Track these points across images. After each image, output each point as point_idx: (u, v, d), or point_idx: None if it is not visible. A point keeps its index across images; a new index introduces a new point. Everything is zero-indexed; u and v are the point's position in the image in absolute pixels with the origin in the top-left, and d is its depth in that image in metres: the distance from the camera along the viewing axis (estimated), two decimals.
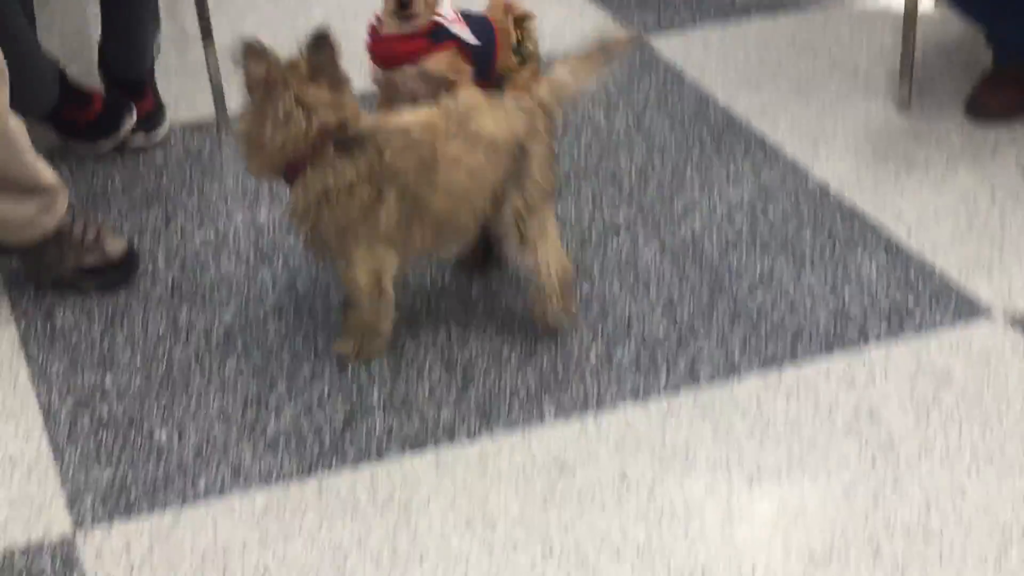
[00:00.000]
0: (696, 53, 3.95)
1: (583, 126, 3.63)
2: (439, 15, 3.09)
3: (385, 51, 3.10)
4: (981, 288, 2.97)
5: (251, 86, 2.68)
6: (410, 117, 2.79)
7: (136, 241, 3.23)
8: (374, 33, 3.12)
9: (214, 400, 2.79)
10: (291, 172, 2.72)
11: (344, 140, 2.69)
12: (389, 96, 3.13)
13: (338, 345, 2.89)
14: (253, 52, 2.65)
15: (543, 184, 2.79)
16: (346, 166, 2.68)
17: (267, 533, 2.49)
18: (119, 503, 2.56)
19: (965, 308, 2.92)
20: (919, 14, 3.60)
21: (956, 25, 3.88)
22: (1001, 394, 2.69)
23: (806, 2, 4.17)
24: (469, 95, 2.84)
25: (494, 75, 3.16)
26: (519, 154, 2.76)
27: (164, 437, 2.71)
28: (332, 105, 2.67)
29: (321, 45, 2.66)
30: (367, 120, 2.75)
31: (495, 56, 3.16)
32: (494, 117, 2.76)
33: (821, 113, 3.63)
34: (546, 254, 2.82)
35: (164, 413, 2.77)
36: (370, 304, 2.80)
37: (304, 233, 2.78)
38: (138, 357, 2.92)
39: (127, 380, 2.85)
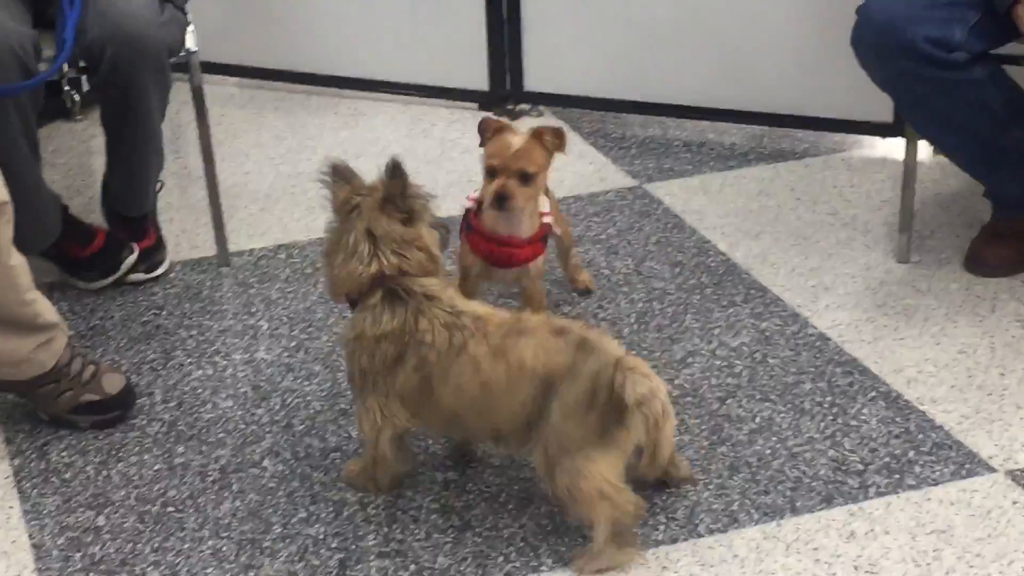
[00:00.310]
0: (696, 200, 3.97)
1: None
2: (546, 214, 3.12)
3: (502, 256, 3.10)
4: (982, 442, 2.96)
5: (336, 208, 2.70)
6: (471, 305, 2.72)
7: (134, 378, 3.22)
8: (478, 227, 3.11)
9: (208, 541, 2.76)
10: (351, 302, 2.73)
11: (393, 290, 2.67)
12: (476, 282, 3.17)
13: (349, 464, 2.89)
14: (338, 174, 2.68)
15: (568, 431, 2.56)
16: (385, 316, 2.66)
17: None
18: None
19: (966, 462, 2.90)
20: (919, 164, 3.64)
21: (956, 176, 3.91)
22: (1002, 550, 2.67)
23: (805, 151, 4.20)
24: (539, 319, 2.70)
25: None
26: (543, 390, 2.59)
27: None
28: (400, 243, 2.66)
29: (396, 174, 2.65)
30: (428, 281, 2.69)
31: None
32: (538, 345, 2.61)
33: (821, 262, 3.64)
34: (585, 504, 2.61)
35: (157, 554, 2.74)
36: (368, 452, 2.79)
37: (346, 363, 2.79)
38: (133, 496, 2.89)
39: (120, 519, 2.83)
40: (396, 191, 2.65)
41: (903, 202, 3.61)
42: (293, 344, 3.36)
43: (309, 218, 3.91)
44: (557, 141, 3.05)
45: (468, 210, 3.16)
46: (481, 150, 3.07)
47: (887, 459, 2.92)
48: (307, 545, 2.75)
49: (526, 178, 2.99)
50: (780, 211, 3.90)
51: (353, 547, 2.74)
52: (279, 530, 2.79)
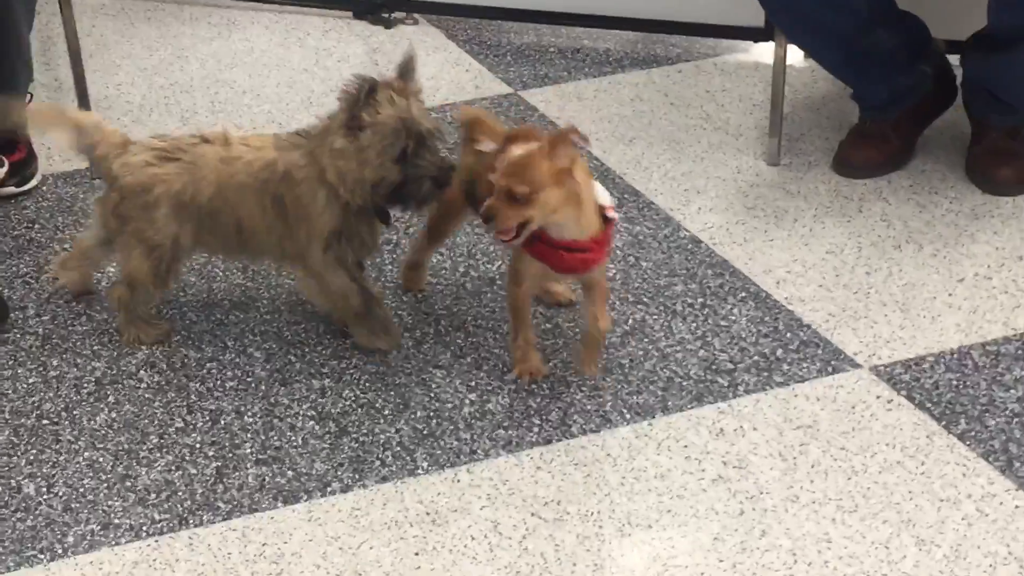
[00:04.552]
0: (571, 106, 3.99)
1: None
2: (608, 208, 2.81)
3: (574, 263, 2.81)
4: (847, 339, 3.03)
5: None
6: None
7: (6, 292, 3.20)
8: (543, 235, 2.77)
9: (84, 453, 2.77)
10: None
11: None
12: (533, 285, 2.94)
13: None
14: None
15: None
16: None
17: None
18: None
19: (832, 359, 2.97)
20: (789, 68, 3.68)
21: (826, 79, 3.96)
22: (866, 444, 2.74)
23: (678, 56, 4.23)
24: None
25: None
26: None
27: (32, 491, 2.68)
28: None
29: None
30: None
31: None
32: None
33: (693, 166, 3.68)
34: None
35: (32, 466, 2.74)
36: None
37: None
38: (7, 410, 2.88)
39: None
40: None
41: (773, 106, 3.66)
42: None
43: (183, 129, 3.87)
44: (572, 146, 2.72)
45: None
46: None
47: (756, 358, 2.98)
48: (184, 454, 2.76)
49: (519, 199, 2.69)
50: (653, 116, 3.93)
51: (230, 455, 2.76)
52: (155, 440, 2.80)
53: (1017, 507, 2.59)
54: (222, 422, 2.84)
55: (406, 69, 2.85)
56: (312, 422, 2.84)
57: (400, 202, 2.88)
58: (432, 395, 2.89)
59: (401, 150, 2.79)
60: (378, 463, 2.73)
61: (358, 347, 3.00)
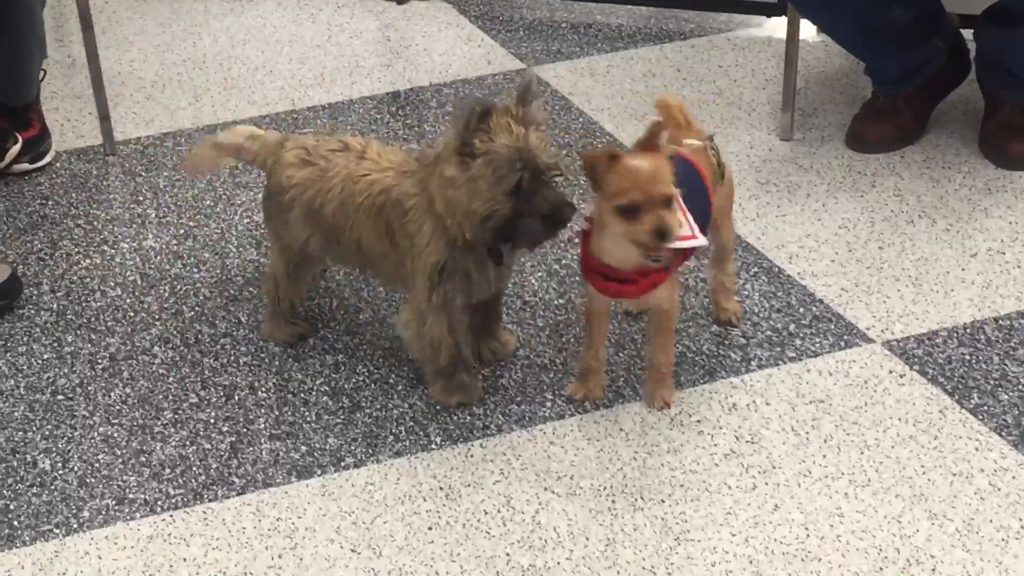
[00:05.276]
0: (583, 82, 3.99)
1: None
2: (684, 237, 2.58)
3: (627, 292, 2.68)
4: (860, 314, 3.03)
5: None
6: None
7: (20, 268, 3.21)
8: (593, 262, 2.66)
9: (99, 428, 2.78)
10: None
11: None
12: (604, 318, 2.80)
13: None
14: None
15: None
16: None
17: (151, 562, 2.48)
18: (1, 533, 2.54)
19: (844, 334, 2.97)
20: (802, 43, 3.67)
21: (839, 54, 3.96)
22: (878, 418, 2.74)
23: (691, 31, 4.23)
24: None
25: (711, 222, 2.79)
26: None
27: (48, 466, 2.69)
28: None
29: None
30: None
31: (711, 204, 2.75)
32: None
33: None
34: None
35: (48, 442, 2.75)
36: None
37: None
38: (22, 385, 2.90)
39: (10, 408, 2.83)
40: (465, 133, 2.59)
41: (786, 81, 3.65)
42: (181, 232, 3.36)
43: (196, 106, 3.89)
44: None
45: (588, 254, 2.69)
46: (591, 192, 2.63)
47: (769, 333, 2.98)
48: (198, 429, 2.77)
49: (670, 202, 2.54)
50: (666, 91, 3.92)
51: (244, 430, 2.77)
52: (170, 415, 2.81)
53: None
54: (236, 397, 2.85)
55: (526, 95, 2.61)
56: (326, 397, 2.84)
57: (511, 239, 2.65)
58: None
59: (515, 183, 2.57)
60: (391, 438, 2.74)
61: (432, 398, 2.84)
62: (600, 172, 2.53)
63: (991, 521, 2.51)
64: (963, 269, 3.16)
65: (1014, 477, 2.60)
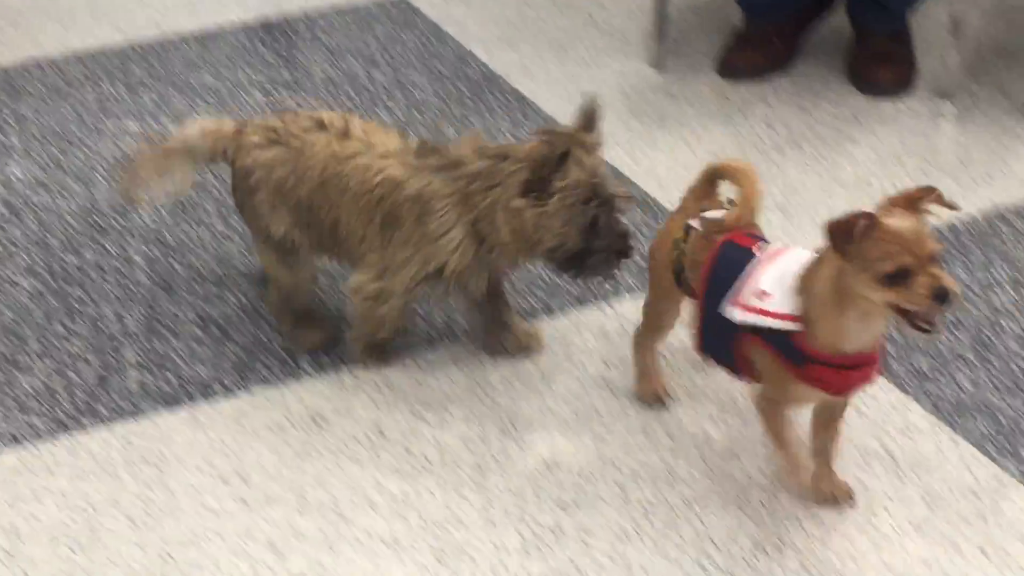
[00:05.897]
0: (456, 10, 3.97)
1: (341, 81, 3.63)
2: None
3: (867, 377, 2.34)
4: None
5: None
6: None
7: None
8: (816, 354, 2.27)
9: None
10: None
11: None
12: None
13: None
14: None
15: None
16: None
17: (17, 494, 2.45)
18: None
19: None
20: None
21: None
22: None
23: None
24: None
25: None
26: None
27: None
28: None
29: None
30: None
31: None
32: None
33: (578, 70, 3.68)
34: None
35: None
36: None
37: None
38: None
39: None
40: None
41: (657, 9, 3.66)
42: (47, 161, 3.31)
43: (63, 33, 3.82)
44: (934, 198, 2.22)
45: (781, 330, 2.29)
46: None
47: (638, 259, 3.00)
48: (65, 360, 2.74)
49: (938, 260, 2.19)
50: (539, 20, 3.92)
51: (111, 361, 2.74)
52: (36, 346, 2.77)
53: None
54: (103, 328, 2.82)
55: (590, 120, 2.51)
56: (195, 327, 2.82)
57: (572, 270, 2.57)
58: (317, 300, 2.89)
59: (591, 219, 2.50)
60: (262, 367, 2.73)
61: (350, 358, 2.76)
62: (856, 236, 2.18)
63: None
64: (831, 197, 3.20)
65: None
